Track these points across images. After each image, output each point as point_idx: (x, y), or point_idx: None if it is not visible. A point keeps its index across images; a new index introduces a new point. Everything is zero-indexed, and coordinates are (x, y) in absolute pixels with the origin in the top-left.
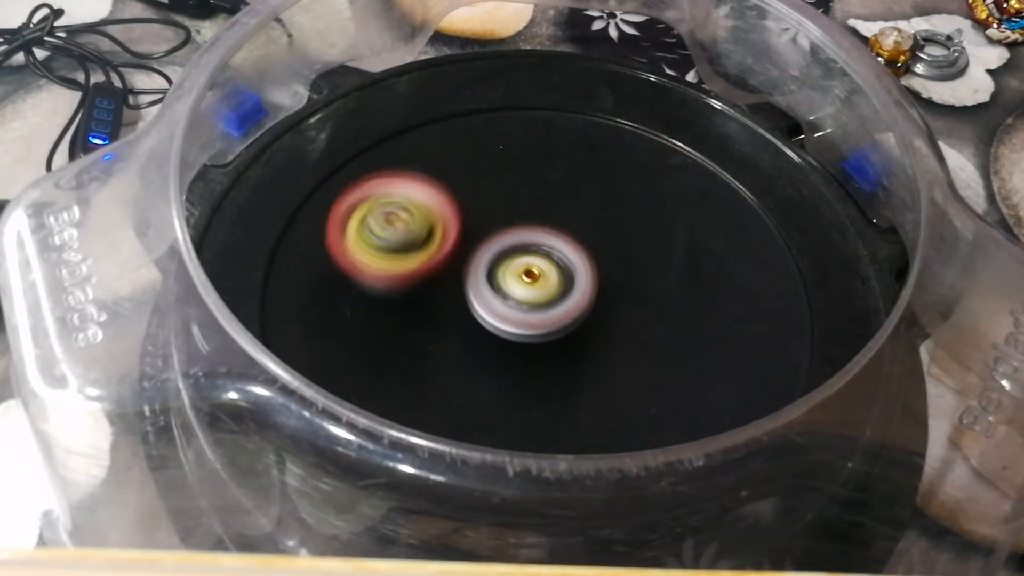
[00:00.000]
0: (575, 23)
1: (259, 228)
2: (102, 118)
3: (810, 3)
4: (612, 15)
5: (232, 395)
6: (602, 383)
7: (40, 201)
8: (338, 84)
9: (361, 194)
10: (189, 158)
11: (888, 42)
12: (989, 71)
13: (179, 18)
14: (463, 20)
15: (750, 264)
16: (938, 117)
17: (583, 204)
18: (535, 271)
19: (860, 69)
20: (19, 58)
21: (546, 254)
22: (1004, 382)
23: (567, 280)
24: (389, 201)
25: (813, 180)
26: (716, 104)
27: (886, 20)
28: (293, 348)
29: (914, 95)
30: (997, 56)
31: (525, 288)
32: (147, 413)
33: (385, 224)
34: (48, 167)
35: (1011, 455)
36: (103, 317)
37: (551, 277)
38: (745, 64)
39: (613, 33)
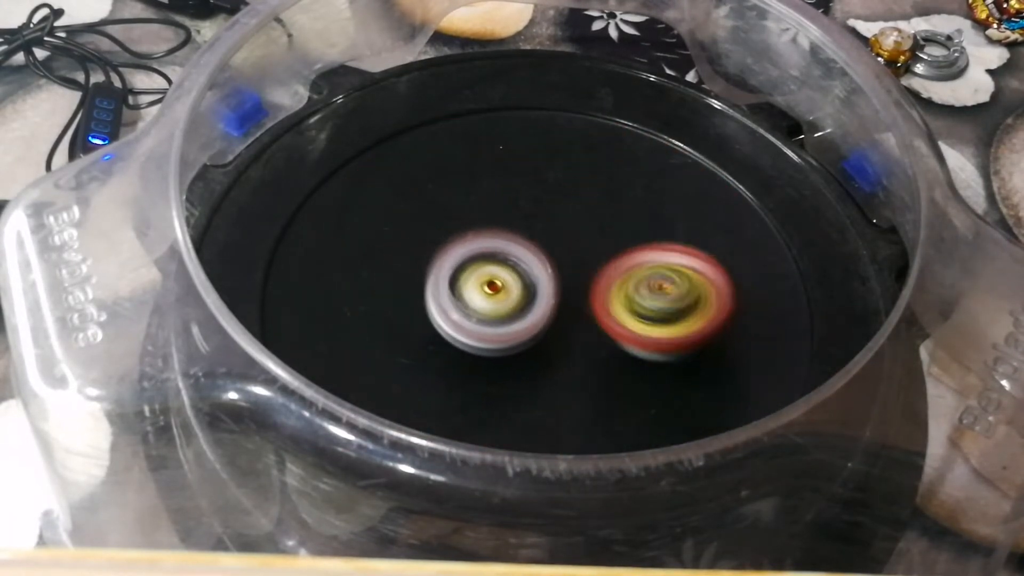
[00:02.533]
0: (575, 23)
1: (259, 228)
2: (102, 118)
3: (810, 3)
4: (612, 15)
5: (232, 395)
6: (602, 383)
7: (40, 201)
8: (338, 84)
9: (624, 266)
10: (189, 158)
11: (888, 42)
12: (989, 71)
13: (179, 18)
14: (463, 20)
15: (750, 264)
16: (938, 117)
17: (583, 204)
18: (497, 283)
19: (860, 69)
20: (19, 58)
21: (512, 265)
22: (1004, 382)
23: (529, 294)
24: (654, 271)
25: (813, 180)
26: (716, 104)
27: (886, 20)
28: (293, 348)
29: (914, 95)
30: (997, 56)
31: (486, 300)
32: (147, 413)
33: (653, 293)
34: (48, 167)
35: (1011, 455)
36: (103, 317)
37: (513, 291)
38: (745, 64)
39: (613, 33)
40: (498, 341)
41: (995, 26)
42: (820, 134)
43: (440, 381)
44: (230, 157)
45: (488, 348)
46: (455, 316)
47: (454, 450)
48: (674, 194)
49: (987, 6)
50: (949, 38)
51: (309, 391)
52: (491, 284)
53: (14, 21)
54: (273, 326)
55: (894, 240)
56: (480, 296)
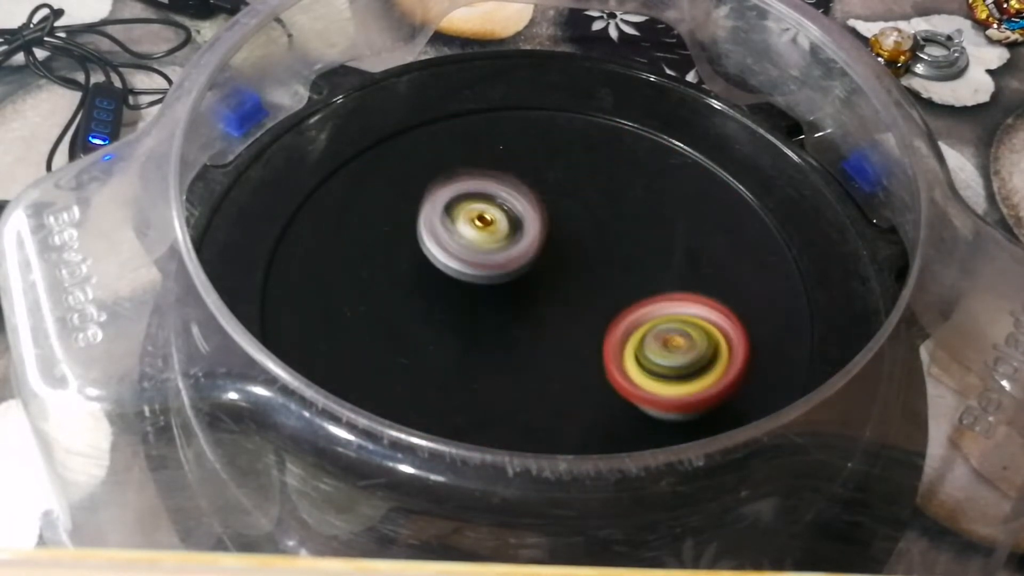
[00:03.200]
0: (575, 23)
1: (259, 228)
2: (102, 118)
3: (810, 3)
4: (612, 15)
5: (232, 395)
6: (602, 383)
7: (40, 201)
8: (338, 84)
9: (634, 320)
10: (189, 158)
11: (888, 42)
12: (989, 71)
13: (179, 18)
14: (463, 20)
15: (750, 264)
16: (938, 117)
17: (583, 204)
18: (487, 217)
19: (860, 69)
20: (19, 58)
21: (500, 203)
22: (1004, 382)
23: (516, 227)
24: (665, 324)
25: (813, 180)
26: (716, 104)
27: (886, 20)
28: (293, 348)
29: (914, 95)
30: (997, 56)
31: (477, 232)
32: (147, 413)
33: (663, 350)
34: (48, 167)
35: (1011, 455)
36: (103, 317)
37: (501, 224)
38: (745, 64)
39: (613, 33)
40: (489, 268)
41: (995, 26)
42: (820, 134)
43: (440, 381)
44: (230, 157)
45: (478, 275)
46: (448, 243)
47: (454, 450)
48: (674, 194)
49: (987, 6)
50: (949, 38)
51: (309, 391)
52: (481, 218)
53: (14, 21)
54: (273, 326)
55: (894, 240)
56: (471, 228)
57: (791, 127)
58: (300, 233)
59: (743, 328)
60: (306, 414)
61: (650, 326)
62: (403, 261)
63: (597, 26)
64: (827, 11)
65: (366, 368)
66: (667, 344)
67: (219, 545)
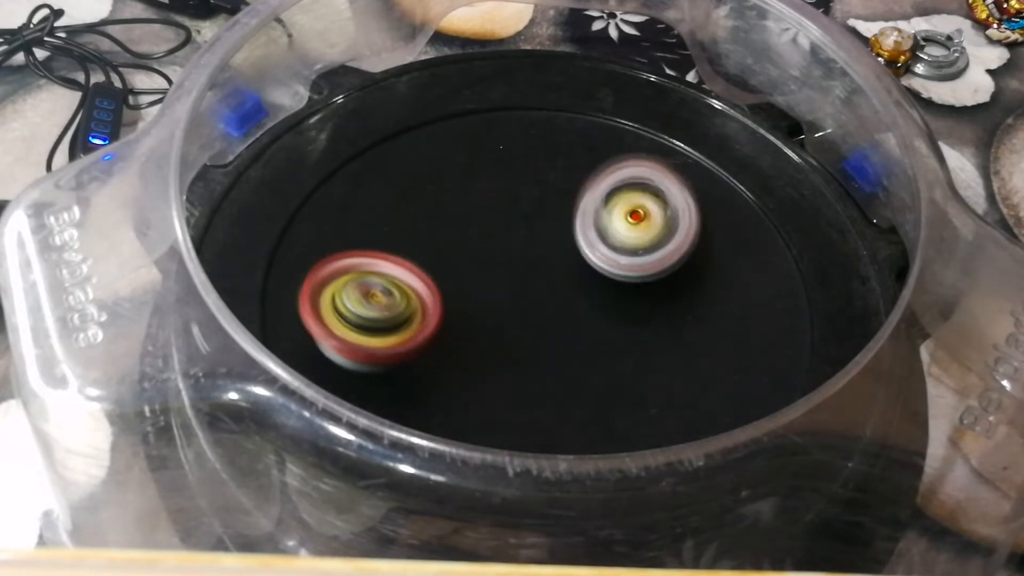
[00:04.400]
0: (575, 23)
1: (259, 228)
2: (102, 118)
3: (810, 3)
4: (612, 15)
5: (232, 395)
6: (602, 383)
7: (40, 201)
8: (338, 84)
9: (337, 268)
10: (189, 158)
11: (888, 42)
12: (989, 71)
13: (179, 18)
14: (463, 20)
15: (750, 264)
16: (938, 117)
17: None
18: (640, 212)
19: (860, 69)
20: (19, 58)
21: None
22: (1004, 382)
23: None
24: (367, 277)
25: (813, 180)
26: (716, 104)
27: (886, 20)
28: (293, 348)
29: (914, 95)
30: (997, 56)
31: (629, 229)
32: (147, 413)
33: (363, 301)
34: (48, 167)
35: (1011, 455)
36: (103, 317)
37: (656, 218)
38: (745, 64)
39: (613, 33)
40: (640, 270)
41: (995, 26)
42: (820, 134)
43: (440, 381)
44: (230, 157)
45: (631, 276)
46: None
47: (454, 450)
48: None
49: (987, 6)
50: (949, 38)
51: (309, 391)
52: (634, 214)
53: (14, 21)
54: (273, 326)
55: (894, 240)
56: (624, 226)
57: (791, 127)
58: (300, 233)
59: (440, 297)
60: (306, 414)
61: (354, 277)
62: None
63: (597, 26)
64: (827, 11)
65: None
66: (368, 296)
67: (219, 545)
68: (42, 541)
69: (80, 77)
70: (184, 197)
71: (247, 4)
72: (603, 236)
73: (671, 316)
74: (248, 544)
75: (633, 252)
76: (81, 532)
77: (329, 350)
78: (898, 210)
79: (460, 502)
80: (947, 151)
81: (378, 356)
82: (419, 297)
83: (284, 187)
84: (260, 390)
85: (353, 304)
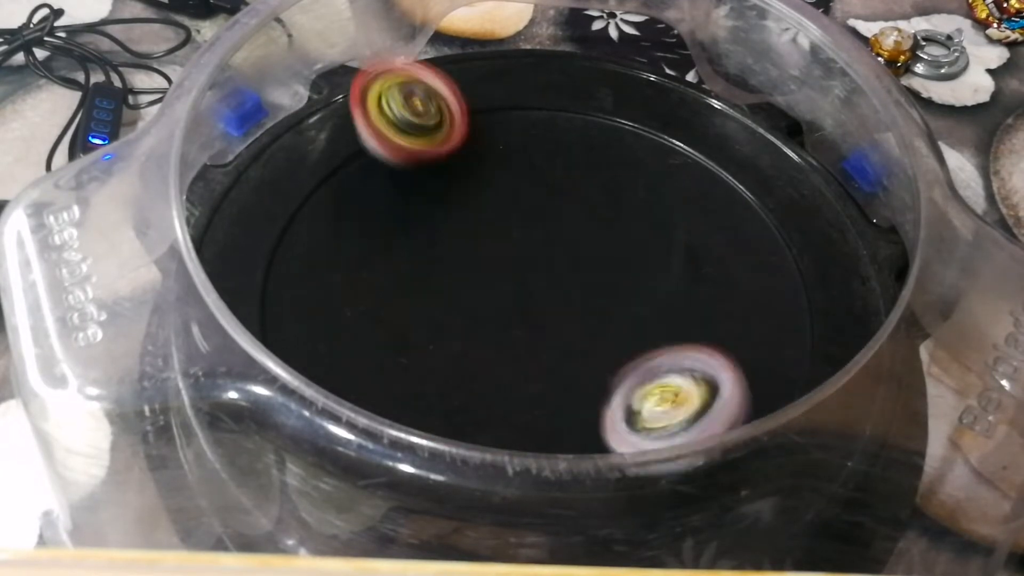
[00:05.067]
0: (575, 23)
1: (259, 228)
2: (102, 118)
3: (810, 3)
4: (612, 15)
5: (232, 395)
6: (602, 383)
7: (40, 201)
8: (338, 84)
9: (380, 69)
10: (189, 158)
11: (888, 42)
12: (989, 71)
13: (179, 18)
14: (463, 20)
15: (750, 264)
16: (938, 117)
17: (583, 204)
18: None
19: (860, 69)
20: (19, 58)
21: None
22: (1004, 382)
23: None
24: (406, 81)
25: (813, 180)
26: (716, 104)
27: (886, 20)
28: (293, 348)
29: (914, 95)
30: (997, 56)
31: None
32: (147, 413)
33: (404, 104)
34: (48, 167)
35: (1011, 455)
36: (103, 317)
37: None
38: (745, 64)
39: (613, 33)
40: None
41: (995, 26)
42: (820, 134)
43: (440, 381)
44: (230, 157)
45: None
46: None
47: (454, 450)
48: (674, 194)
49: (987, 6)
50: (949, 38)
51: (309, 391)
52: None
53: (14, 21)
54: (273, 326)
55: (894, 240)
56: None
57: (791, 127)
58: (300, 233)
59: (467, 110)
60: (306, 414)
61: (399, 80)
62: (403, 261)
63: (597, 26)
64: (827, 11)
65: (366, 368)
66: (408, 100)
67: (219, 545)
68: (42, 541)
69: (80, 77)
70: (184, 197)
71: (247, 4)
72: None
73: (671, 316)
74: (248, 544)
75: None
76: (81, 532)
77: (371, 143)
78: (898, 210)
79: (460, 501)
80: (947, 151)
81: (411, 155)
82: (449, 108)
83: (284, 187)
84: (260, 390)
85: (397, 107)
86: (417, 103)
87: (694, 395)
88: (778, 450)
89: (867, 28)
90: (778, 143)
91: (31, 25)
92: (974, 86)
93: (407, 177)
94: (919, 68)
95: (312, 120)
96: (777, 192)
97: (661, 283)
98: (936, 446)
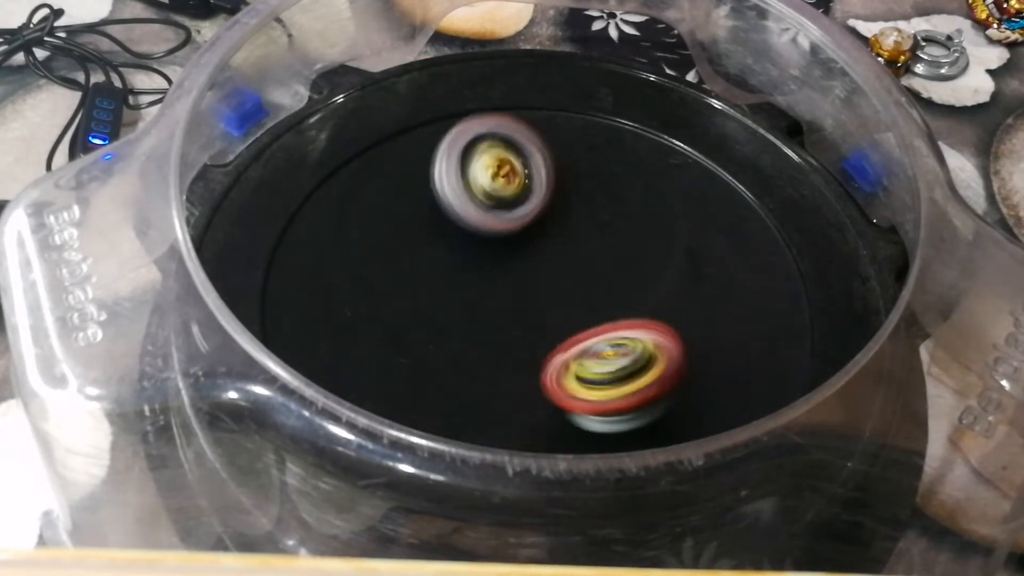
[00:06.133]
0: (575, 23)
1: (259, 228)
2: (102, 118)
3: (810, 3)
4: (612, 15)
5: (232, 395)
6: None
7: (40, 201)
8: (338, 84)
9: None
10: (189, 158)
11: (888, 42)
12: (989, 71)
13: (179, 18)
14: (463, 20)
15: (750, 264)
16: (938, 117)
17: (583, 204)
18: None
19: (860, 69)
20: (19, 58)
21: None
22: (1004, 382)
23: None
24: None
25: (813, 180)
26: (716, 104)
27: (886, 20)
28: (293, 348)
29: (914, 95)
30: (997, 56)
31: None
32: (147, 413)
33: (599, 360)
34: (48, 167)
35: (1011, 455)
36: (103, 317)
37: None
38: (745, 64)
39: (613, 33)
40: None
41: (995, 26)
42: (820, 134)
43: (440, 380)
44: (230, 157)
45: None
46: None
47: (454, 450)
48: (674, 194)
49: (987, 6)
50: (949, 38)
51: (309, 391)
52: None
53: (14, 21)
54: (273, 326)
55: (894, 240)
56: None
57: (791, 127)
58: (300, 233)
59: (678, 339)
60: (306, 413)
61: (584, 348)
62: (403, 261)
63: (597, 26)
64: (827, 11)
65: (366, 368)
66: (601, 356)
67: (219, 545)
68: (42, 541)
69: (80, 77)
70: (184, 197)
71: (247, 4)
72: (467, 186)
73: (671, 316)
74: (248, 543)
75: (497, 205)
76: (81, 532)
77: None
78: (898, 210)
79: (460, 501)
80: (947, 151)
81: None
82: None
83: (284, 187)
84: (260, 389)
85: (594, 366)
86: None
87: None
88: (778, 450)
89: (867, 28)
90: (778, 143)
91: (31, 25)
92: (974, 86)
93: (407, 177)
94: (919, 68)
95: (312, 120)
96: (777, 192)
97: (661, 283)
98: (936, 446)
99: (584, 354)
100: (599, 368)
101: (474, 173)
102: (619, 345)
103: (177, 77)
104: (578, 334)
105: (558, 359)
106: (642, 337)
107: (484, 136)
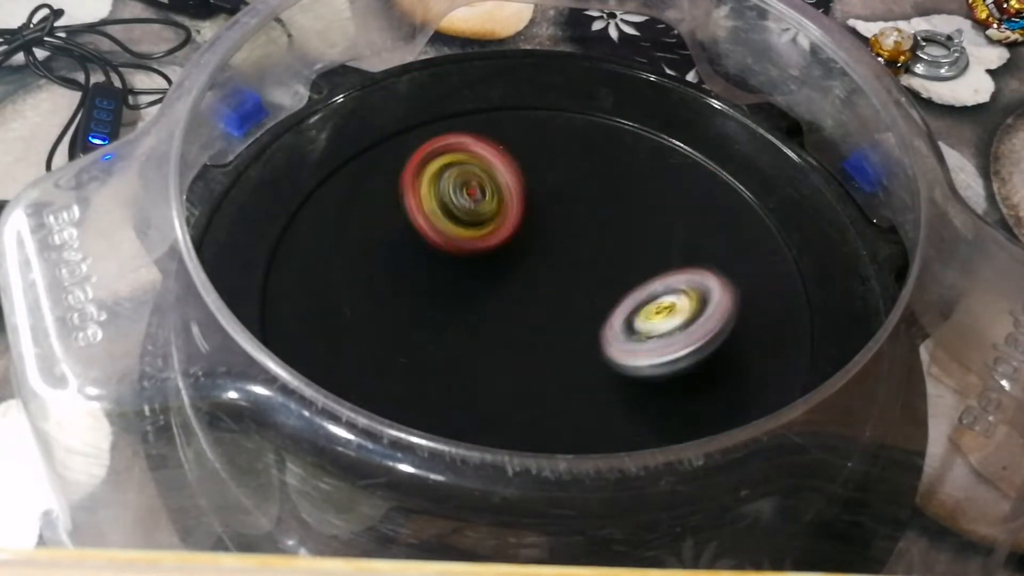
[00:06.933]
0: (575, 23)
1: (259, 228)
2: (102, 118)
3: (810, 3)
4: (612, 15)
5: (232, 394)
6: (602, 382)
7: (40, 201)
8: (338, 84)
9: (436, 147)
10: (189, 158)
11: (888, 42)
12: (989, 71)
13: (179, 18)
14: (463, 20)
15: (750, 264)
16: (938, 117)
17: (583, 204)
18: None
19: (860, 69)
20: (19, 58)
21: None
22: (1004, 382)
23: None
24: (466, 168)
25: (813, 180)
26: (716, 104)
27: (886, 20)
28: (293, 348)
29: (914, 95)
30: (997, 56)
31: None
32: (147, 412)
33: (462, 195)
34: (48, 167)
35: (1011, 455)
36: (103, 316)
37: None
38: (745, 64)
39: (613, 33)
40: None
41: (995, 26)
42: (820, 134)
43: (440, 380)
44: (230, 157)
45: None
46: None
47: (454, 450)
48: (674, 194)
49: (987, 6)
50: (949, 38)
51: (309, 391)
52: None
53: (14, 21)
54: (273, 326)
55: (894, 240)
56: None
57: (791, 127)
58: (300, 233)
59: (523, 193)
60: (306, 413)
61: (457, 161)
62: (403, 261)
63: (597, 26)
64: (827, 11)
65: (366, 368)
66: (466, 188)
67: (219, 545)
68: (42, 541)
69: (80, 77)
70: (184, 197)
71: (247, 4)
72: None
73: None
74: (248, 544)
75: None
76: (81, 532)
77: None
78: (898, 210)
79: (460, 501)
80: (947, 151)
81: (464, 247)
82: (505, 194)
83: (284, 187)
84: (260, 389)
85: (454, 195)
86: (474, 190)
87: (686, 306)
88: (778, 450)
89: (867, 28)
90: (778, 143)
91: (31, 25)
92: (974, 86)
93: None
94: (919, 68)
95: (312, 120)
96: (777, 192)
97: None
98: (936, 446)
99: (453, 170)
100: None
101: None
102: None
103: (177, 77)
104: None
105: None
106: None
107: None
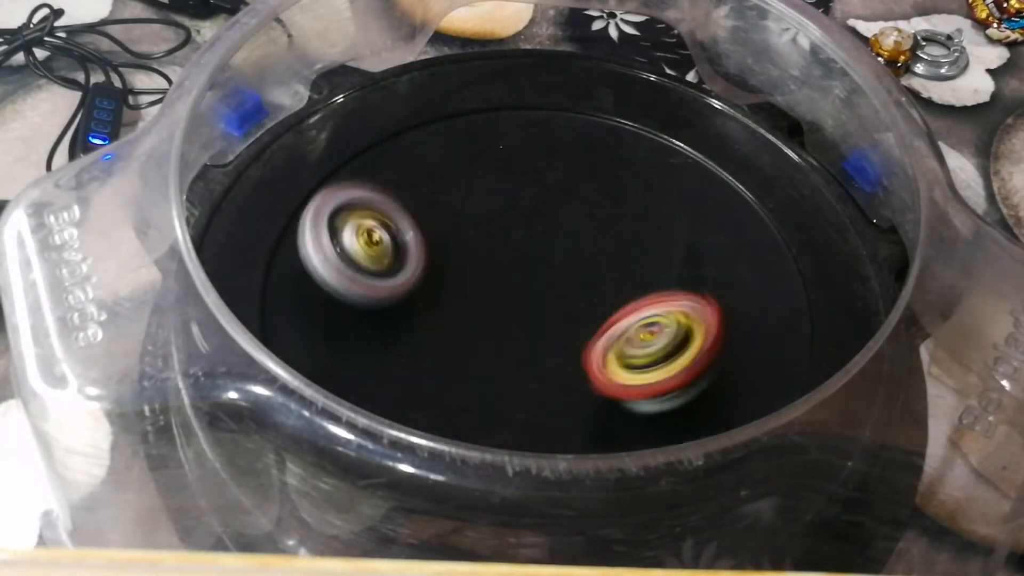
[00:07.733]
0: (575, 23)
1: (259, 228)
2: (102, 118)
3: (810, 3)
4: (612, 15)
5: (232, 395)
6: None
7: (40, 201)
8: (338, 84)
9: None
10: (189, 158)
11: (888, 42)
12: (989, 71)
13: (179, 18)
14: (463, 20)
15: (750, 264)
16: (938, 117)
17: (583, 204)
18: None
19: (860, 69)
20: (19, 58)
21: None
22: (1004, 382)
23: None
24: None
25: (813, 180)
26: (716, 104)
27: (886, 20)
28: (293, 348)
29: (914, 95)
30: (997, 56)
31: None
32: (147, 413)
33: (641, 342)
34: (48, 167)
35: (1011, 455)
36: (103, 316)
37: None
38: (745, 64)
39: (613, 33)
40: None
41: (995, 26)
42: (820, 134)
43: (440, 381)
44: (230, 157)
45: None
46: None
47: (454, 450)
48: (674, 194)
49: (987, 6)
50: (949, 38)
51: (309, 391)
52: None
53: (14, 21)
54: (273, 326)
55: (894, 240)
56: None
57: (791, 127)
58: None
59: (715, 307)
60: (306, 413)
61: (618, 332)
62: None
63: (597, 26)
64: (827, 11)
65: (366, 368)
66: (642, 338)
67: (219, 545)
68: (42, 541)
69: (80, 77)
70: (184, 197)
71: (247, 4)
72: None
73: None
74: (248, 544)
75: (368, 272)
76: (81, 532)
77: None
78: (898, 210)
79: (460, 501)
80: (947, 151)
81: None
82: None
83: (284, 187)
84: (260, 389)
85: (361, 246)
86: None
87: (670, 329)
88: (778, 450)
89: (867, 28)
90: (778, 143)
91: (31, 25)
92: (974, 86)
93: (407, 178)
94: (919, 68)
95: (312, 120)
96: (777, 192)
97: (661, 283)
98: (936, 446)
99: (620, 339)
100: (640, 351)
101: (344, 241)
102: (651, 324)
103: (177, 77)
104: (609, 318)
105: (596, 349)
106: (672, 310)
107: (349, 205)
